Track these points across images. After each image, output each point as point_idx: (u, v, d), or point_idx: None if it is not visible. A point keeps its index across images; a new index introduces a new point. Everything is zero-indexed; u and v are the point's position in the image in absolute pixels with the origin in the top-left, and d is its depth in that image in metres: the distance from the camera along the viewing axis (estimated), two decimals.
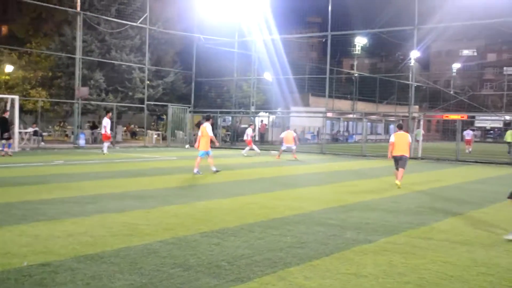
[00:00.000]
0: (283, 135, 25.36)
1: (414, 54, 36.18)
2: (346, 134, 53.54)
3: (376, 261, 6.26)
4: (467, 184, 15.67)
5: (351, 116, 47.77)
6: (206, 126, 16.01)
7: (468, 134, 36.37)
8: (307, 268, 5.84)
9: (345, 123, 54.27)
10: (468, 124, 43.99)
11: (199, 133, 16.20)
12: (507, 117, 46.06)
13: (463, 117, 37.25)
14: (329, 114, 42.12)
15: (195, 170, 15.80)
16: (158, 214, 8.93)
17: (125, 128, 41.09)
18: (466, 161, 25.85)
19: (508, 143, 30.46)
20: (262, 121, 41.58)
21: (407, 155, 14.32)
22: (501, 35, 30.48)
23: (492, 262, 6.46)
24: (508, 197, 7.94)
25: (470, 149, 33.84)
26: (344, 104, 48.74)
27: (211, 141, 16.17)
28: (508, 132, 30.89)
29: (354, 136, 50.34)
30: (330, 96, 33.51)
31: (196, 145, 16.68)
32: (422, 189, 13.96)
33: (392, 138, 14.50)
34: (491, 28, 33.84)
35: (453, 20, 29.93)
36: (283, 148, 24.77)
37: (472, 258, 6.57)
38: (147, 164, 19.64)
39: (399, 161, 14.24)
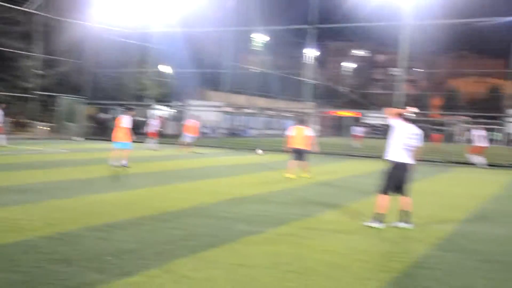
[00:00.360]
0: (188, 123, 25.22)
1: (311, 52, 37.36)
2: (243, 128, 54.22)
3: (264, 251, 6.43)
4: (354, 177, 16.48)
5: (248, 110, 48.52)
6: (124, 118, 15.73)
7: (358, 130, 38.29)
8: (195, 260, 5.87)
9: (243, 117, 54.97)
10: (358, 121, 46.25)
11: (117, 125, 15.87)
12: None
13: (355, 114, 39.09)
14: (227, 109, 42.43)
15: (123, 162, 15.49)
16: (42, 209, 8.52)
17: (13, 119, 38.68)
18: (355, 155, 27.14)
19: None
20: (158, 115, 40.99)
21: (306, 148, 14.97)
22: (390, 37, 32.37)
23: (369, 249, 6.87)
24: (380, 192, 8.43)
25: (360, 144, 35.62)
26: (242, 99, 49.32)
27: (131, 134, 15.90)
28: None
29: (251, 130, 51.09)
30: (228, 91, 33.78)
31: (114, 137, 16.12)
32: (312, 182, 14.47)
33: (291, 132, 15.14)
34: (382, 30, 35.76)
35: (349, 21, 31.32)
36: (188, 139, 24.67)
37: (352, 246, 6.94)
38: (33, 157, 18.65)
39: (297, 154, 14.90)
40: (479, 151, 22.47)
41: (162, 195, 10.69)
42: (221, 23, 31.14)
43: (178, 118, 38.04)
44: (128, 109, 16.46)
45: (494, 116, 33.67)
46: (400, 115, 8.42)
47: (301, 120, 16.13)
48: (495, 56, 60.76)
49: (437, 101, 72.81)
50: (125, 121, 15.66)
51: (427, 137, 35.88)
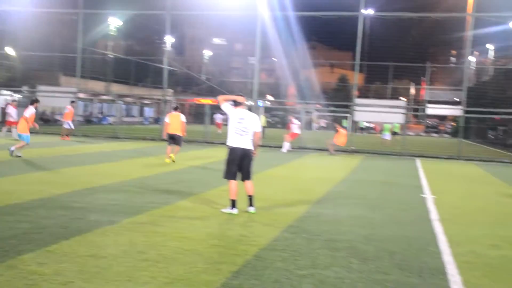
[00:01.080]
0: (67, 110, 25.27)
1: (168, 39, 36.90)
2: (100, 116, 52.25)
3: (117, 241, 6.28)
4: (213, 164, 16.68)
5: (105, 97, 46.80)
6: (28, 109, 15.67)
7: (218, 117, 38.84)
8: (43, 254, 5.57)
9: (99, 104, 52.93)
10: (219, 108, 46.76)
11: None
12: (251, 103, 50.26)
13: (214, 101, 39.46)
14: (81, 95, 40.51)
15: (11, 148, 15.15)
16: None
17: None
18: (215, 142, 27.46)
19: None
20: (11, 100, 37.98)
21: (180, 134, 16.18)
22: (247, 26, 33.15)
23: (224, 234, 7.04)
24: (224, 178, 8.67)
25: (220, 131, 36.11)
26: (98, 85, 47.40)
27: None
28: (261, 117, 34.75)
29: (108, 118, 49.40)
30: (82, 76, 32.23)
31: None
32: (171, 169, 14.39)
33: (167, 119, 16.35)
34: (238, 20, 36.40)
35: (206, 9, 31.41)
36: (66, 125, 24.68)
37: (208, 232, 7.05)
38: None
39: (172, 139, 16.12)
40: (293, 137, 24.54)
41: (8, 186, 9.93)
42: (74, 4, 29.52)
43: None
44: (33, 100, 16.14)
45: (343, 105, 36.20)
46: (234, 102, 8.69)
47: (176, 107, 17.02)
48: (344, 48, 65.06)
49: (292, 90, 76.10)
50: (25, 112, 15.58)
51: (284, 125, 37.43)
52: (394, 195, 11.65)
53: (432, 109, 32.81)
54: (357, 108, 25.38)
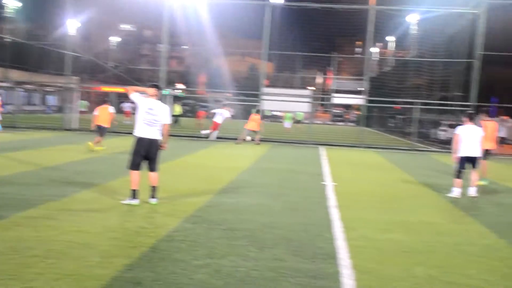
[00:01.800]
0: None
1: (72, 23, 35.40)
2: None
3: (5, 237, 5.97)
4: (117, 154, 16.24)
5: (2, 84, 44.14)
6: None
7: (127, 106, 37.91)
8: None
9: None
10: (126, 96, 45.60)
11: None
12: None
13: (125, 90, 38.47)
14: None
15: None
16: None
17: None
18: (121, 132, 26.75)
19: (175, 116, 34.59)
20: None
21: (106, 125, 17.29)
22: (155, 13, 32.55)
23: (122, 227, 6.90)
24: (128, 168, 8.53)
25: (130, 121, 35.23)
26: None
27: None
28: (176, 105, 35.64)
29: (6, 106, 46.63)
30: None
31: None
32: (68, 160, 13.86)
33: (96, 111, 17.37)
34: (146, 6, 35.61)
35: None
36: None
37: (105, 225, 6.87)
38: None
39: (100, 130, 17.13)
40: (215, 127, 24.74)
41: None
42: None
43: None
44: None
45: (252, 94, 36.46)
46: (146, 92, 8.59)
47: (105, 100, 19.00)
48: (254, 37, 65.52)
49: (203, 78, 75.75)
50: None
51: (193, 113, 37.35)
52: (296, 183, 11.95)
53: (338, 99, 33.96)
54: (265, 97, 25.70)
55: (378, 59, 53.19)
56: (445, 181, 13.85)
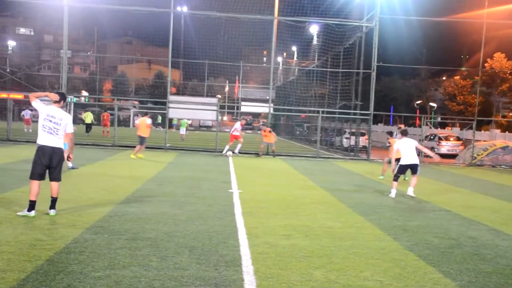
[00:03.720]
0: None
1: None
2: None
3: None
4: (15, 164, 15.44)
5: None
6: None
7: (27, 113, 36.03)
8: None
9: None
10: (28, 103, 43.46)
11: None
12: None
13: (24, 96, 36.51)
14: None
15: None
16: None
17: None
18: (20, 140, 25.45)
19: (87, 124, 34.67)
20: None
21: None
22: (56, 17, 31.31)
23: (16, 240, 6.57)
24: (30, 178, 8.15)
25: (30, 129, 33.52)
26: None
27: None
28: (87, 113, 35.01)
29: None
30: None
31: None
32: None
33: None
34: (45, 10, 34.18)
35: None
36: None
37: None
38: None
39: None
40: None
41: None
42: None
43: None
44: None
45: (159, 102, 35.94)
46: (49, 98, 8.29)
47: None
48: (161, 45, 64.76)
49: (108, 85, 73.77)
50: None
51: (99, 121, 36.23)
52: (202, 191, 11.94)
53: (245, 107, 34.34)
54: (171, 105, 25.50)
55: (283, 68, 54.50)
56: (346, 186, 14.45)
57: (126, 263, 5.80)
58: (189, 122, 35.56)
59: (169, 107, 25.43)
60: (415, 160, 12.82)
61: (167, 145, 25.59)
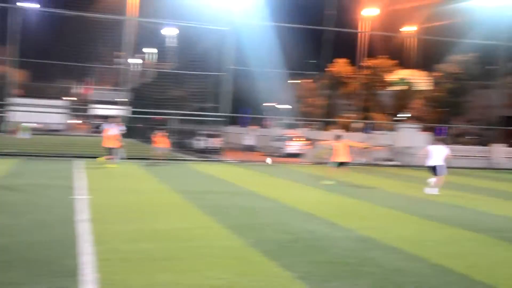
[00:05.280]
0: None
1: None
2: None
3: None
4: None
5: None
6: None
7: None
8: None
9: None
10: None
11: None
12: None
13: None
14: None
15: None
16: None
17: None
18: None
19: None
20: None
21: None
22: None
23: None
24: None
25: None
26: None
27: None
28: None
29: None
30: None
31: None
32: None
33: None
34: None
35: None
36: None
37: None
38: None
39: None
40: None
41: None
42: None
43: None
44: None
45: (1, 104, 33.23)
46: None
47: None
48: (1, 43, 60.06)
49: None
50: None
51: None
52: (43, 199, 11.30)
53: (97, 109, 33.22)
54: (14, 107, 23.80)
55: (138, 70, 53.49)
56: (197, 188, 14.61)
57: None
58: (34, 125, 32.99)
59: (11, 110, 23.70)
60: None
61: (5, 151, 23.58)
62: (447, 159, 15.44)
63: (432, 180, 15.33)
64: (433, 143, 16.92)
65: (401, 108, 49.06)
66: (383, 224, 10.04)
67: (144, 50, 52.19)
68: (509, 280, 6.45)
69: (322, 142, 30.23)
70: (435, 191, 15.11)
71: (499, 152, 30.80)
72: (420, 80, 47.56)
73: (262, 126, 53.34)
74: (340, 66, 53.12)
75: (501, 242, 8.72)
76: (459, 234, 9.31)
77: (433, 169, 15.37)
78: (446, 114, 44.95)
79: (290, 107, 65.65)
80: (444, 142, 16.98)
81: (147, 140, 45.46)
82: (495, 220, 11.10)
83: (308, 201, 12.75)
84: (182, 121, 34.36)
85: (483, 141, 36.13)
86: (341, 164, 17.47)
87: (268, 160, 17.91)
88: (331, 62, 53.91)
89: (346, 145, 17.70)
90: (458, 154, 26.91)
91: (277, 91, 70.42)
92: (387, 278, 6.29)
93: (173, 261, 6.60)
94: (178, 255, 6.89)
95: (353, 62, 49.12)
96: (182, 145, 34.65)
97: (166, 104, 34.09)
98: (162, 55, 49.13)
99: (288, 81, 69.10)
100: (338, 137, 18.03)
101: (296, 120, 54.38)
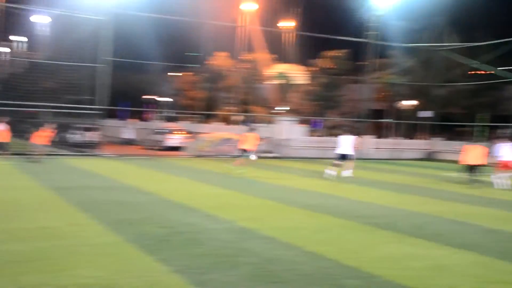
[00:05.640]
0: None
1: None
2: None
3: None
4: None
5: None
6: None
7: None
8: None
9: None
10: None
11: None
12: None
13: None
14: None
15: None
16: None
17: None
18: None
19: None
20: None
21: None
22: None
23: None
24: None
25: None
26: None
27: None
28: None
29: None
30: None
31: None
32: None
33: None
34: None
35: None
36: None
37: None
38: None
39: None
40: None
41: None
42: None
43: None
44: None
45: None
46: None
47: None
48: None
49: None
50: None
51: None
52: None
53: None
54: None
55: (5, 59, 49.89)
56: (71, 184, 13.98)
57: None
58: None
59: None
60: (348, 151, 17.96)
61: None
62: (355, 147, 18.30)
63: (337, 164, 17.90)
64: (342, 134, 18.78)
65: (280, 101, 50.58)
66: (261, 214, 10.26)
67: (12, 38, 48.83)
68: (370, 263, 6.88)
69: (203, 135, 30.35)
70: (349, 172, 17.95)
71: (368, 143, 32.83)
72: (297, 74, 49.29)
73: (142, 119, 52.33)
74: (221, 59, 53.50)
75: (366, 227, 9.31)
76: (331, 221, 9.80)
77: (343, 157, 17.92)
78: (321, 107, 47.06)
79: (170, 100, 65.01)
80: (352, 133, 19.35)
81: (18, 134, 42.76)
82: (364, 207, 11.83)
83: (187, 194, 12.70)
84: (56, 114, 32.56)
85: (355, 133, 38.28)
86: (244, 151, 18.58)
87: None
88: (212, 55, 54.20)
89: (256, 137, 19.00)
90: (330, 146, 28.31)
91: (157, 84, 69.43)
92: (263, 267, 6.43)
93: (43, 261, 6.24)
94: (49, 255, 6.52)
95: (233, 56, 49.69)
96: (56, 140, 32.85)
97: (38, 96, 32.11)
98: (33, 44, 46.27)
99: (169, 74, 68.38)
100: (252, 130, 19.76)
101: (177, 113, 53.99)
